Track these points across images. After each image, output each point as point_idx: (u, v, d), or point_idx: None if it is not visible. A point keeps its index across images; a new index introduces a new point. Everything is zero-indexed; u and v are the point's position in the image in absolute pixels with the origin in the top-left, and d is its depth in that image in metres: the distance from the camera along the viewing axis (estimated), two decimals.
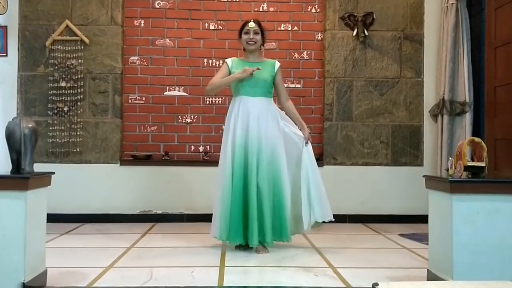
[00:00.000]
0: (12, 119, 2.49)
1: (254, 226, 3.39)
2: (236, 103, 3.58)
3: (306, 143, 3.61)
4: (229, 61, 3.66)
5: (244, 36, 3.59)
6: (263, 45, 3.69)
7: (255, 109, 3.51)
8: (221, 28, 5.08)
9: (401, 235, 4.26)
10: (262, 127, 3.50)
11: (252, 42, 3.57)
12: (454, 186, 2.46)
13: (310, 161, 3.59)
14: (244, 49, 3.69)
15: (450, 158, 2.76)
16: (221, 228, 3.46)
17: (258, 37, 3.59)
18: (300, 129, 3.67)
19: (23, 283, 2.34)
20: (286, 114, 3.77)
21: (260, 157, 3.47)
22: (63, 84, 4.83)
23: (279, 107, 3.77)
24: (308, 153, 3.60)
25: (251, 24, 3.56)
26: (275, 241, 3.53)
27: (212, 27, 5.07)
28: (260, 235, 3.43)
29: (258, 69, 3.50)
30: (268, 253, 3.45)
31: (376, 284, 1.99)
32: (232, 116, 3.56)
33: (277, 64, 3.65)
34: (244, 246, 3.51)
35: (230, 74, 3.59)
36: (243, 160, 3.48)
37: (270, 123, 3.53)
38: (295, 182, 3.59)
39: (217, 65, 5.02)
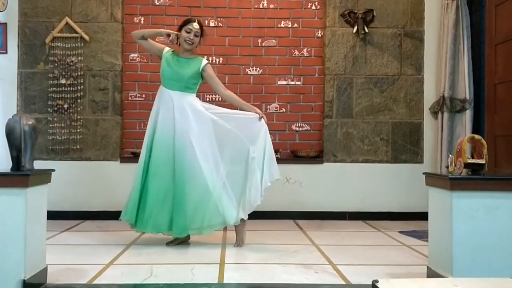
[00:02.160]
0: (12, 116, 2.49)
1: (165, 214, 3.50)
2: (159, 93, 3.69)
3: (260, 118, 3.63)
4: (166, 48, 3.75)
5: (184, 34, 3.64)
6: (199, 44, 3.76)
7: (170, 101, 3.58)
8: (221, 25, 5.07)
9: (401, 232, 4.26)
10: (176, 119, 3.54)
11: (190, 42, 3.64)
12: (454, 183, 2.46)
13: (265, 134, 3.63)
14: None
15: (450, 155, 2.76)
16: (132, 213, 3.56)
17: (197, 39, 3.67)
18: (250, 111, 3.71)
19: (24, 280, 2.35)
20: (229, 103, 3.87)
21: (174, 148, 3.52)
22: (63, 81, 4.82)
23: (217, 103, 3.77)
24: (264, 128, 3.63)
25: (196, 26, 3.64)
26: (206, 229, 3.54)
27: (212, 24, 5.06)
28: (179, 223, 3.48)
29: (177, 36, 3.64)
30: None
31: (376, 281, 1.98)
32: (155, 105, 3.66)
33: (204, 61, 3.69)
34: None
35: (161, 57, 3.71)
36: (157, 150, 3.55)
37: (185, 115, 3.55)
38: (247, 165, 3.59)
39: (217, 62, 5.02)
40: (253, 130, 3.62)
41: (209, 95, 4.99)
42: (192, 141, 3.51)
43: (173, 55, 3.70)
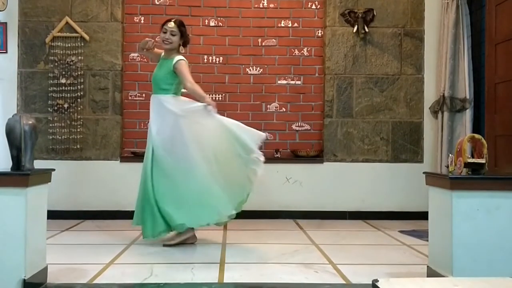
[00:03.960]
0: (12, 116, 2.49)
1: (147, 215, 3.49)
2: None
3: (206, 106, 3.53)
4: (162, 53, 3.77)
5: (161, 35, 3.63)
6: (184, 46, 3.71)
7: (153, 105, 3.61)
8: (221, 24, 5.07)
9: (401, 231, 4.26)
10: (158, 124, 3.55)
11: (167, 42, 3.62)
12: (454, 183, 2.46)
13: (219, 117, 3.57)
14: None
15: (450, 154, 2.76)
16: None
17: (175, 38, 3.62)
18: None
19: (24, 280, 2.35)
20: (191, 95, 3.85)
21: (155, 152, 3.55)
22: (63, 80, 4.82)
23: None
24: (211, 114, 3.54)
25: (170, 25, 3.60)
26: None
27: (212, 24, 5.06)
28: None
29: (151, 40, 3.69)
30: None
31: (376, 280, 1.98)
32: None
33: (177, 58, 3.60)
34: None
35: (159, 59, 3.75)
36: (150, 155, 3.58)
37: (162, 120, 3.55)
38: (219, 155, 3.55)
39: (217, 62, 5.03)
40: (206, 119, 3.54)
41: (209, 95, 4.98)
42: (172, 143, 3.51)
43: (161, 59, 3.72)
